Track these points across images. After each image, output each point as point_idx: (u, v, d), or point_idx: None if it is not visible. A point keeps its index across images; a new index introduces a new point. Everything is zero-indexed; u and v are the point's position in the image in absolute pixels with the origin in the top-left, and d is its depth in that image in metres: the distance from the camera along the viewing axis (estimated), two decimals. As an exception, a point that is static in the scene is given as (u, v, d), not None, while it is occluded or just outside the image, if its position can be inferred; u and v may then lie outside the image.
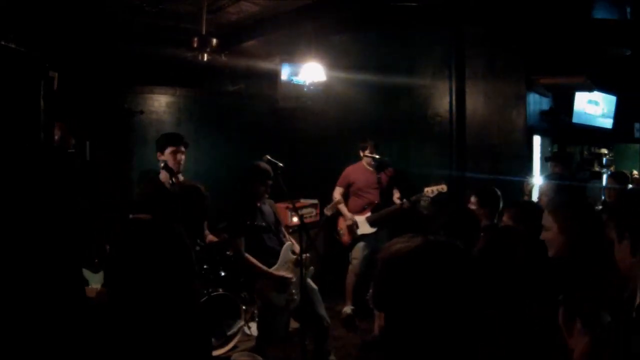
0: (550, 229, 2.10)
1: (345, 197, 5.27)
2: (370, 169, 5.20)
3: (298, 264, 3.55)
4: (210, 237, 4.30)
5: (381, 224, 5.08)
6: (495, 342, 1.36)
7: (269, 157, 3.66)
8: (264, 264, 3.65)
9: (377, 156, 5.17)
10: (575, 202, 2.34)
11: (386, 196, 5.18)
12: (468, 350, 0.99)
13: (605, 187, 5.02)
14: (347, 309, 5.08)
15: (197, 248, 4.17)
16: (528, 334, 1.64)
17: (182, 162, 3.81)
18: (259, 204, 3.84)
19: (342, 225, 5.24)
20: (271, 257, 3.72)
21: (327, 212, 4.29)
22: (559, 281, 1.89)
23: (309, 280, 3.86)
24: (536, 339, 1.67)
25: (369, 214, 5.10)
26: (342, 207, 5.14)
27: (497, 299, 1.29)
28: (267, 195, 3.86)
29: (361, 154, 5.26)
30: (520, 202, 4.08)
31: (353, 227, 5.10)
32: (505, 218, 2.98)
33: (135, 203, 3.45)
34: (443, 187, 4.69)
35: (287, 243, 3.81)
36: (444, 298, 0.97)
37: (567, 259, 2.00)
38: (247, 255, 3.64)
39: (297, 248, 3.77)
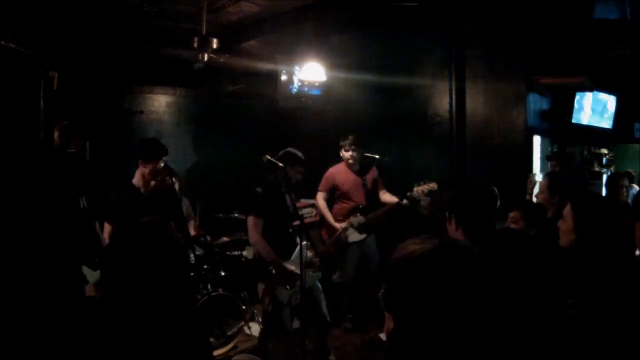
0: (567, 221, 2.09)
1: (329, 202, 4.91)
2: (354, 169, 4.86)
3: (308, 264, 3.51)
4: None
5: (372, 228, 4.79)
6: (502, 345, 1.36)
7: (268, 157, 3.62)
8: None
9: (377, 156, 5.04)
10: (599, 202, 2.28)
11: (372, 198, 4.86)
12: (477, 354, 0.98)
13: (616, 188, 5.03)
14: (347, 324, 4.85)
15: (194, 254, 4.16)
16: (534, 335, 1.64)
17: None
18: (283, 191, 3.71)
19: (327, 235, 4.90)
20: (283, 251, 3.64)
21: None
22: (568, 275, 1.88)
23: (316, 282, 3.85)
24: (541, 341, 1.67)
25: (362, 220, 4.74)
26: (328, 216, 4.84)
27: (507, 301, 1.28)
28: (295, 181, 3.70)
29: (342, 153, 4.84)
30: (526, 202, 4.07)
31: (341, 238, 4.71)
32: (512, 217, 2.99)
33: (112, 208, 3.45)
34: (433, 186, 4.45)
35: (305, 242, 3.77)
36: (456, 302, 0.95)
37: (577, 258, 1.99)
38: (262, 239, 3.55)
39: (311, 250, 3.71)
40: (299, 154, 3.71)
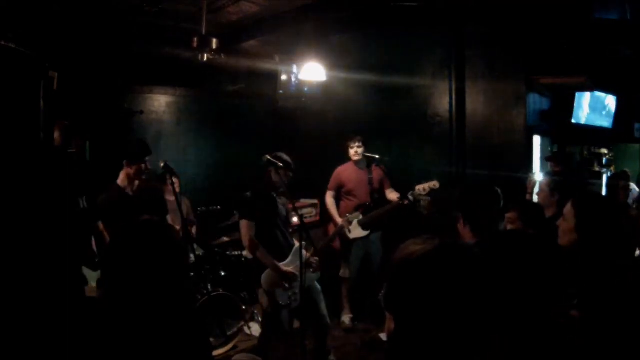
0: (568, 220, 2.09)
1: (336, 199, 5.10)
2: (361, 168, 5.05)
3: (305, 265, 3.53)
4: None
5: (374, 226, 4.91)
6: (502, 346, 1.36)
7: (268, 157, 3.65)
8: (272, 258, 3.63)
9: (377, 156, 5.10)
10: (601, 202, 2.27)
11: (377, 196, 5.02)
12: (477, 354, 0.98)
13: (616, 188, 5.03)
14: (346, 319, 4.94)
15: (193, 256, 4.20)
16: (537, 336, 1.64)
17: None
18: (275, 195, 3.79)
19: (332, 230, 5.03)
20: (280, 253, 3.68)
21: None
22: (568, 275, 1.88)
23: (315, 282, 3.86)
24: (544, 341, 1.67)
25: (360, 216, 4.89)
26: (334, 213, 5.02)
27: (507, 301, 1.28)
28: (285, 184, 3.75)
29: (348, 150, 5.05)
30: (523, 202, 4.07)
31: (345, 232, 4.88)
32: (509, 218, 2.98)
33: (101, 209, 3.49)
34: (435, 184, 4.56)
35: (303, 242, 3.79)
36: (457, 303, 0.95)
37: (577, 257, 1.99)
38: (257, 241, 3.58)
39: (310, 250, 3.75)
40: (285, 156, 3.76)
